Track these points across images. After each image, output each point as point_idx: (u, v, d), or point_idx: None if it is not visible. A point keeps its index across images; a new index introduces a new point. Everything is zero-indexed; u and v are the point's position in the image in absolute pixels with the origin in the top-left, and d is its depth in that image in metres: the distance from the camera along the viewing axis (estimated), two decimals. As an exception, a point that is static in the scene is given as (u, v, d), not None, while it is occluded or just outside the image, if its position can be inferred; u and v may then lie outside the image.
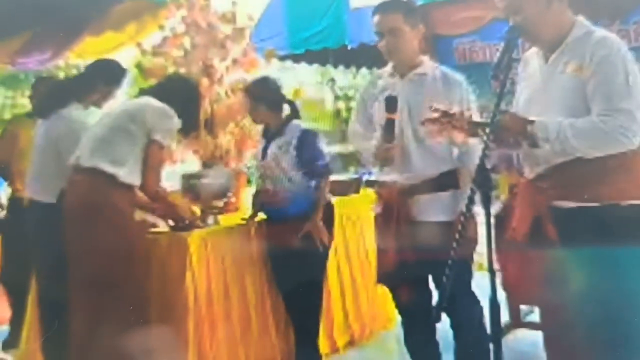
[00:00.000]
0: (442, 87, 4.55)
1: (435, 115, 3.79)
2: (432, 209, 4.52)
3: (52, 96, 5.79)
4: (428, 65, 4.71)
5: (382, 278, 4.87)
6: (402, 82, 4.66)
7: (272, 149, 5.44)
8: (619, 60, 3.44)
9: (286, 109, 5.62)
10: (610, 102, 3.40)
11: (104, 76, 5.65)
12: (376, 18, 4.61)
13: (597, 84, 3.44)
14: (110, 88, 5.62)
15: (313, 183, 5.41)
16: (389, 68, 4.77)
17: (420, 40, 4.71)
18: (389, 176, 4.65)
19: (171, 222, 5.33)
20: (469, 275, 4.57)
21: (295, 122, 5.55)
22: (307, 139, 5.42)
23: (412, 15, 4.62)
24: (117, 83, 5.69)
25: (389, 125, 4.41)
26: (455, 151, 4.57)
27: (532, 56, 3.87)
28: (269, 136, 5.56)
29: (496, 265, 3.37)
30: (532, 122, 3.49)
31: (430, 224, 4.50)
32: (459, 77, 4.68)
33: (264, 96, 5.55)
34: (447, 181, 4.57)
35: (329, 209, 5.61)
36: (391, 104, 4.43)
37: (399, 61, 4.67)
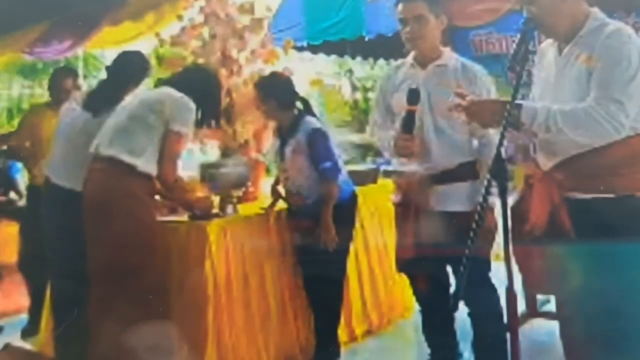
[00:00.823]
0: (462, 78, 4.56)
1: (462, 101, 3.79)
2: (451, 199, 4.54)
3: (103, 96, 5.77)
4: (448, 56, 4.73)
5: (401, 267, 4.90)
6: (423, 73, 4.68)
7: (288, 151, 5.48)
8: (626, 52, 3.44)
9: (298, 105, 5.64)
10: (606, 90, 3.42)
11: (135, 75, 5.65)
12: (400, 5, 4.62)
13: (599, 72, 3.45)
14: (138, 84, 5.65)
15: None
16: (409, 59, 4.78)
17: (442, 32, 4.73)
18: (408, 166, 4.67)
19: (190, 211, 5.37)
20: (487, 265, 4.58)
21: (307, 119, 5.54)
22: (315, 140, 5.42)
23: (436, 5, 4.63)
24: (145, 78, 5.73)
25: (409, 117, 4.41)
26: (475, 142, 4.60)
27: (548, 47, 3.87)
28: (282, 135, 5.60)
29: (512, 255, 3.38)
30: (519, 105, 3.49)
31: (449, 214, 4.52)
32: (479, 67, 4.70)
33: (274, 94, 5.55)
34: (466, 172, 4.59)
35: (353, 199, 5.69)
36: (413, 96, 4.41)
37: (421, 50, 4.69)
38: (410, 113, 4.41)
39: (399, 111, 4.61)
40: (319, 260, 5.30)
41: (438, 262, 4.63)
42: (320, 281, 5.45)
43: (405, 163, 4.68)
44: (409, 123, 4.41)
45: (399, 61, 4.93)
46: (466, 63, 4.72)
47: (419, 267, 4.69)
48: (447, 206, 4.56)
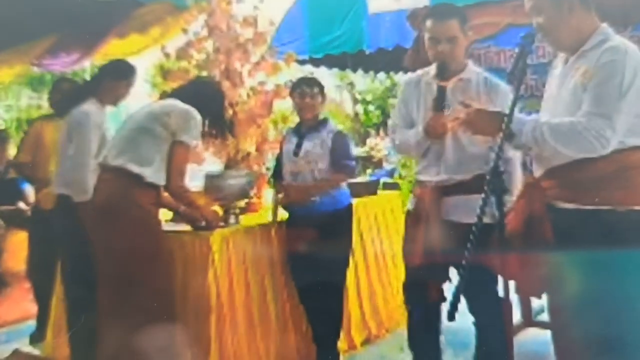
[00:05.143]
0: (484, 92, 4.56)
1: (460, 113, 3.85)
2: (464, 211, 4.45)
3: (69, 96, 5.97)
4: (472, 69, 4.72)
5: (408, 275, 4.91)
6: (445, 85, 4.62)
7: (307, 146, 5.61)
8: (620, 67, 3.45)
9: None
10: (595, 105, 3.44)
11: (110, 72, 5.87)
12: (432, 23, 4.58)
13: (592, 87, 3.48)
14: (117, 83, 5.83)
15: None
16: (432, 70, 4.73)
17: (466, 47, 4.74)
18: (425, 176, 4.73)
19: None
20: (494, 276, 4.59)
21: (331, 122, 5.79)
22: (341, 139, 5.64)
23: (465, 23, 4.59)
24: (125, 78, 5.91)
25: (440, 93, 4.45)
26: (492, 155, 4.62)
27: (559, 60, 3.88)
28: (301, 133, 5.74)
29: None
30: (511, 117, 3.52)
31: (460, 225, 4.45)
32: (502, 83, 4.63)
33: (323, 91, 5.80)
34: (480, 184, 4.61)
35: (349, 210, 5.77)
36: (442, 70, 4.48)
37: (447, 67, 4.63)
38: (441, 89, 4.44)
39: (423, 115, 4.63)
40: (319, 270, 5.37)
41: (444, 271, 4.67)
42: (320, 291, 5.50)
43: (423, 172, 4.73)
44: (440, 99, 4.44)
45: (422, 71, 4.86)
46: (489, 77, 4.69)
47: (426, 275, 4.72)
48: (460, 217, 4.49)
